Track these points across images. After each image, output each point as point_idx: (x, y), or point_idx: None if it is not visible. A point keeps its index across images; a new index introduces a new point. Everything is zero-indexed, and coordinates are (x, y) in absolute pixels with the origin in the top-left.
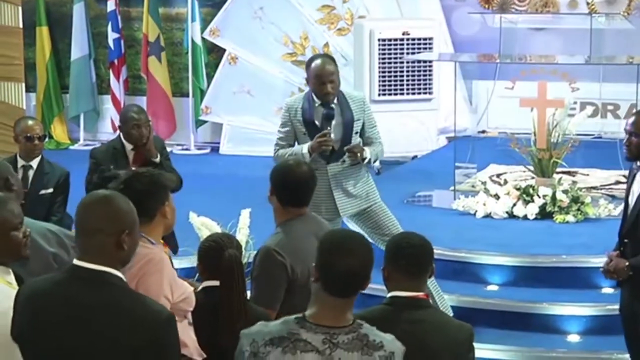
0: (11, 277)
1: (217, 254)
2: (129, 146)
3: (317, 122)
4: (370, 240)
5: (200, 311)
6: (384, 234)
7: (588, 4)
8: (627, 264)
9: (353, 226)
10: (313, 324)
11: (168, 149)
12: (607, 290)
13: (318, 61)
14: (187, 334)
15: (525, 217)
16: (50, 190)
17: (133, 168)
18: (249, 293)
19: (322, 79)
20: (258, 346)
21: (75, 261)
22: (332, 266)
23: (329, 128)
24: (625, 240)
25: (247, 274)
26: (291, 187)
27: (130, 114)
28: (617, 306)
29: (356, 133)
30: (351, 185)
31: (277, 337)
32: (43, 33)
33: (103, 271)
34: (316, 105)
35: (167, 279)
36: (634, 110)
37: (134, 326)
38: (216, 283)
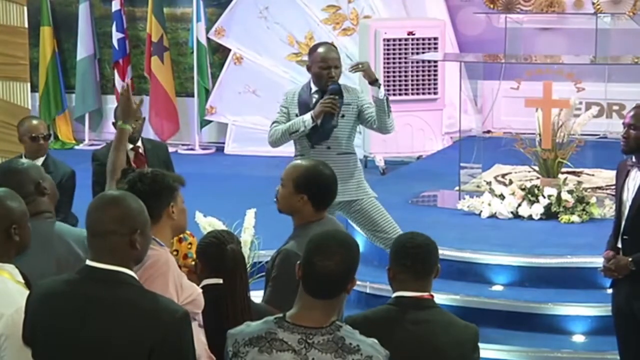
0: (20, 277)
1: (218, 250)
2: (128, 146)
3: (310, 105)
4: (367, 237)
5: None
6: (376, 230)
7: (593, 4)
8: (630, 259)
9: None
10: (291, 324)
11: (172, 149)
12: None
13: (323, 47)
14: (195, 336)
15: (530, 218)
16: None
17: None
18: (259, 293)
19: (328, 62)
20: (238, 346)
21: (88, 262)
22: (311, 267)
23: (337, 97)
24: (625, 237)
25: (252, 274)
26: (328, 192)
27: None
28: None
29: (343, 116)
30: (338, 174)
31: (255, 337)
32: (46, 33)
33: (117, 271)
34: (312, 91)
35: (173, 281)
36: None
37: (150, 324)
38: (217, 281)
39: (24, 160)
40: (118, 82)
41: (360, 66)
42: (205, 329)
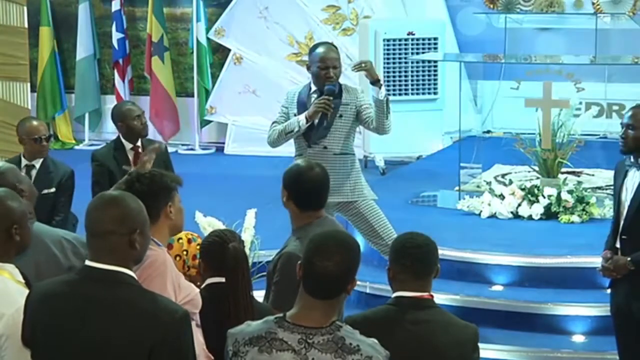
0: (20, 277)
1: (221, 249)
2: (128, 145)
3: (307, 105)
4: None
5: (205, 309)
6: (372, 235)
7: (593, 4)
8: (628, 259)
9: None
10: (291, 324)
11: (172, 149)
12: None
13: (323, 47)
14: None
15: (530, 218)
16: (53, 189)
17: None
18: (260, 293)
19: (326, 62)
20: (239, 345)
21: (88, 262)
22: (311, 267)
23: (331, 98)
24: (624, 237)
25: (252, 274)
26: (307, 192)
27: (126, 107)
28: None
29: (340, 116)
30: (334, 174)
31: (255, 337)
32: (44, 33)
33: (117, 271)
34: (311, 91)
35: (171, 281)
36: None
37: (150, 324)
38: (220, 280)
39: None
40: (118, 82)
41: (363, 65)
42: (206, 328)
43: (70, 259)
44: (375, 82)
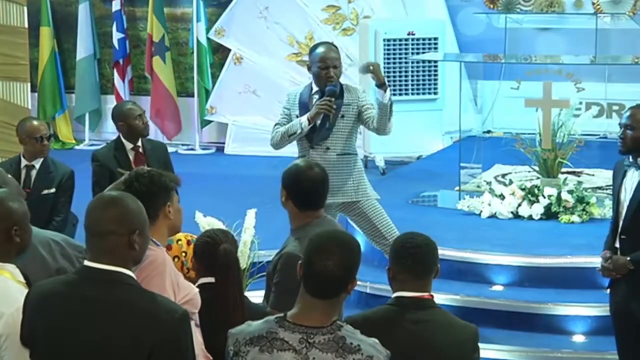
0: (21, 277)
1: (212, 250)
2: (129, 145)
3: (309, 106)
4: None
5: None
6: (375, 235)
7: (593, 4)
8: (627, 259)
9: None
10: (292, 324)
11: (173, 149)
12: None
13: (323, 47)
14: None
15: (530, 218)
16: (53, 190)
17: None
18: (259, 293)
19: (327, 62)
20: (239, 345)
21: (87, 262)
22: (311, 266)
23: (333, 99)
24: (623, 237)
25: (252, 274)
26: (306, 191)
27: (127, 107)
28: None
29: (342, 117)
30: (337, 174)
31: (256, 337)
32: (44, 33)
33: (116, 271)
34: (312, 92)
35: (170, 281)
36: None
37: (149, 324)
38: (210, 280)
39: None
40: (118, 82)
41: (371, 68)
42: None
43: (58, 260)
44: (381, 85)
